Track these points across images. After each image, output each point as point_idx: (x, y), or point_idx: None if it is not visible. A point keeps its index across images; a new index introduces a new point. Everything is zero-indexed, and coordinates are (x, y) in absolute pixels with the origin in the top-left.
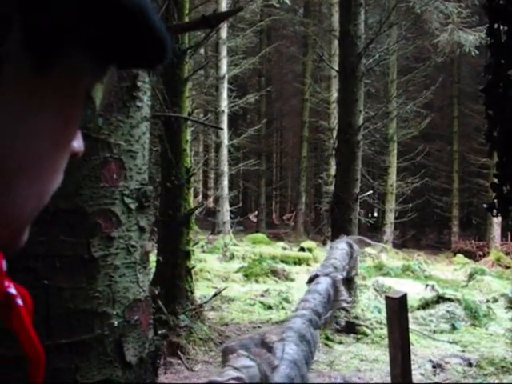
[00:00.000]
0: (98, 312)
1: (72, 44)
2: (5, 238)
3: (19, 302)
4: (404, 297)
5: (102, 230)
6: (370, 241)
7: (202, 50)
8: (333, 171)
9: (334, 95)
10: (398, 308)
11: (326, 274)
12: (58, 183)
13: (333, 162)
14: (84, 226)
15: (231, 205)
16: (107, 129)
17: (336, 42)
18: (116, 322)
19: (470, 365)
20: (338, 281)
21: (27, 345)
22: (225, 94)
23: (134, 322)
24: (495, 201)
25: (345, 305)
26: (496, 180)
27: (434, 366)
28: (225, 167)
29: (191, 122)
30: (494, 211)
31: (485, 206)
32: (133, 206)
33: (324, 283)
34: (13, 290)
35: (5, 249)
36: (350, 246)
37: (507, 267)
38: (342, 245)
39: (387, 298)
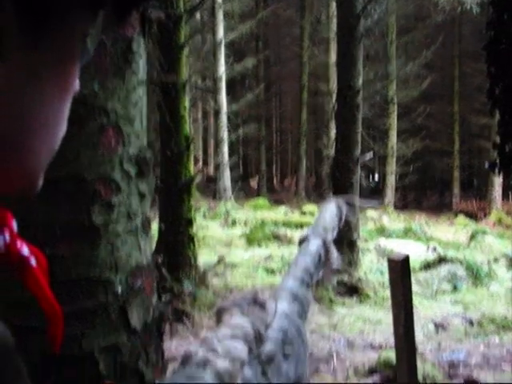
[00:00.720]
0: (101, 279)
1: None
2: (23, 186)
3: (33, 262)
4: (406, 259)
5: (101, 197)
6: (363, 201)
7: (197, 15)
8: (333, 135)
9: (333, 58)
10: (400, 270)
11: (316, 235)
12: (64, 130)
13: (333, 125)
14: (84, 193)
15: (231, 171)
16: (103, 94)
17: (334, 4)
18: (120, 289)
19: (472, 324)
20: (329, 241)
21: (44, 304)
22: (222, 59)
23: (138, 288)
24: (497, 159)
25: (336, 266)
26: (498, 138)
27: (436, 326)
28: (224, 134)
29: (189, 89)
30: (496, 170)
31: (487, 164)
32: (132, 172)
33: (314, 244)
34: (26, 251)
35: (24, 195)
36: (339, 207)
37: (508, 227)
38: (331, 206)
39: (389, 261)
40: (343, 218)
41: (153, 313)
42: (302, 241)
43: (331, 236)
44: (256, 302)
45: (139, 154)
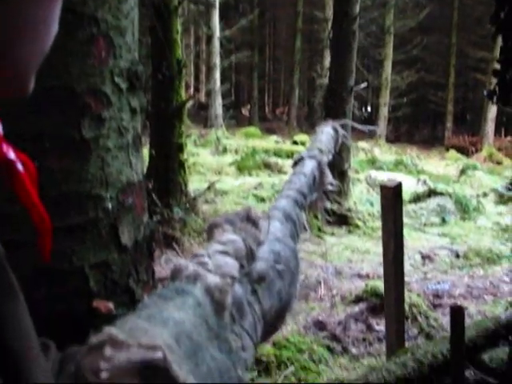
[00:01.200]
0: (91, 195)
1: None
2: (15, 87)
3: (20, 167)
4: (399, 186)
5: (92, 110)
6: (357, 125)
7: None
8: (327, 64)
9: None
10: (392, 197)
11: (311, 157)
12: (55, 31)
13: (327, 54)
14: (73, 105)
15: (223, 98)
16: (93, 3)
17: None
18: (110, 205)
19: (458, 256)
20: (324, 163)
21: (32, 212)
22: None
23: (129, 205)
24: (496, 87)
25: (330, 188)
26: (498, 66)
27: (423, 257)
28: (216, 60)
29: (181, 12)
30: (495, 98)
31: (485, 92)
32: (123, 86)
33: (309, 165)
34: (12, 155)
35: (15, 96)
36: (336, 130)
37: (499, 163)
38: (327, 129)
39: (382, 187)
40: (339, 140)
41: (143, 231)
42: (297, 162)
43: (327, 158)
44: (249, 219)
45: (131, 67)
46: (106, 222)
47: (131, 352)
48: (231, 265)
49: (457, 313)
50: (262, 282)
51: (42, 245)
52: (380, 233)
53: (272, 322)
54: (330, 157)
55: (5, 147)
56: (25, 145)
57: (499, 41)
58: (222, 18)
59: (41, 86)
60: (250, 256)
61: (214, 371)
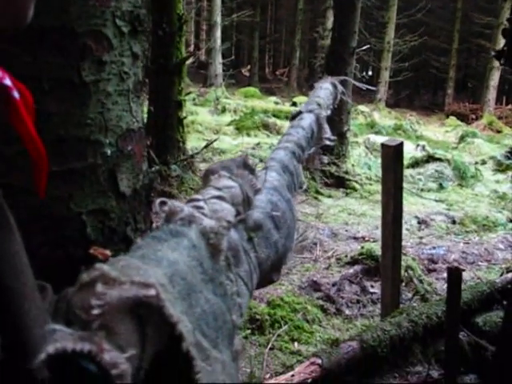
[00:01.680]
0: (90, 140)
1: None
2: (14, 13)
3: (16, 95)
4: (400, 145)
5: (92, 52)
6: (356, 83)
7: None
8: (329, 25)
9: None
10: (393, 156)
11: (310, 111)
12: None
13: (330, 15)
14: (73, 47)
15: (223, 57)
16: None
17: None
18: (109, 151)
19: (454, 222)
20: (322, 118)
21: (27, 140)
22: None
23: (128, 152)
24: (505, 47)
25: (328, 142)
26: (508, 24)
27: (419, 222)
28: (218, 18)
29: None
30: (502, 60)
31: (493, 53)
32: (125, 30)
33: (307, 119)
34: (8, 82)
35: (15, 25)
36: (335, 86)
37: (499, 131)
38: (326, 84)
39: (383, 146)
40: (338, 96)
41: (142, 179)
42: (295, 116)
43: (325, 113)
44: (246, 166)
45: (133, 10)
46: (104, 169)
47: (123, 289)
48: (227, 210)
49: (454, 274)
50: (259, 231)
51: (37, 178)
52: (377, 196)
53: (268, 273)
54: (329, 112)
55: (1, 73)
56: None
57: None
58: None
59: (39, 26)
60: (247, 203)
61: (209, 314)
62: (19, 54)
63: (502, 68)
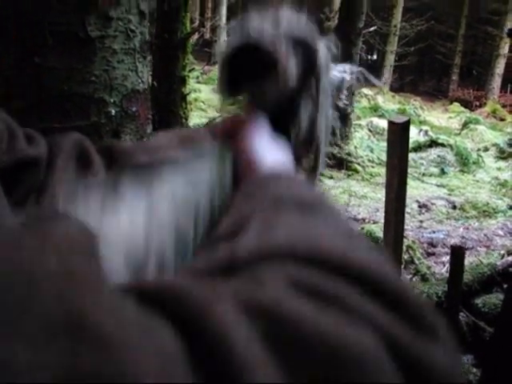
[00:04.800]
0: (94, 98)
1: None
2: None
3: None
4: (407, 122)
5: (98, 7)
6: (366, 73)
7: None
8: (336, 6)
9: None
10: (399, 133)
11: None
12: None
13: None
14: (79, 0)
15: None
16: None
17: None
18: (113, 111)
19: (454, 207)
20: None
21: None
22: None
23: (133, 113)
24: None
25: (341, 105)
26: None
27: (419, 206)
28: None
29: None
30: None
31: (506, 30)
32: None
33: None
34: None
35: None
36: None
37: (502, 119)
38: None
39: (390, 123)
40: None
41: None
42: None
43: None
44: None
45: None
46: (108, 128)
47: None
48: None
49: (457, 253)
50: None
51: None
52: (378, 179)
53: None
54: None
55: None
56: (25, 39)
57: None
58: None
59: None
60: None
61: None
62: (20, 3)
63: (508, 55)
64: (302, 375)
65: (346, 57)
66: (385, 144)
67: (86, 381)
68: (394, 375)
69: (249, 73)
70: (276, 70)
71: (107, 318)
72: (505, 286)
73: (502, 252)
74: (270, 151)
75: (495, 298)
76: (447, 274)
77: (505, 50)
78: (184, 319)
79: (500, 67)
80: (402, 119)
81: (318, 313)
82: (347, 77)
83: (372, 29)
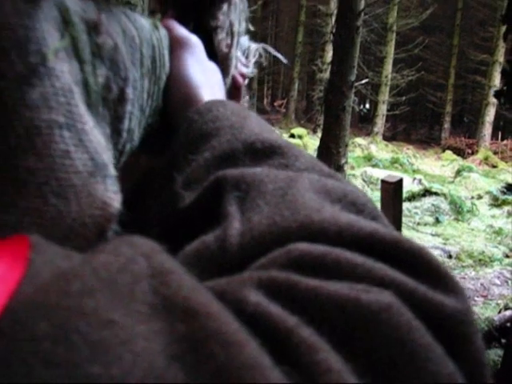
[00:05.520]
0: None
1: None
2: None
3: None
4: (399, 182)
5: None
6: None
7: None
8: (328, 58)
9: None
10: (392, 192)
11: None
12: None
13: (329, 48)
14: None
15: None
16: None
17: None
18: None
19: (450, 257)
20: None
21: None
22: None
23: None
24: (504, 88)
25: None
26: (508, 66)
27: None
28: None
29: None
30: (502, 99)
31: (493, 92)
32: None
33: None
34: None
35: None
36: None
37: (494, 166)
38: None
39: (383, 182)
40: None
41: None
42: None
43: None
44: None
45: None
46: None
47: None
48: None
49: None
50: None
51: None
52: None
53: None
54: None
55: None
56: None
57: (502, 43)
58: None
59: None
60: None
61: None
62: None
63: (498, 104)
64: (337, 347)
65: (338, 110)
66: (379, 194)
67: None
68: (415, 324)
69: None
70: None
71: None
72: (503, 341)
73: (500, 302)
74: (204, 72)
75: (494, 354)
76: None
77: (494, 98)
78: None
79: (490, 115)
80: (394, 178)
81: (331, 283)
82: (253, 45)
83: (364, 81)
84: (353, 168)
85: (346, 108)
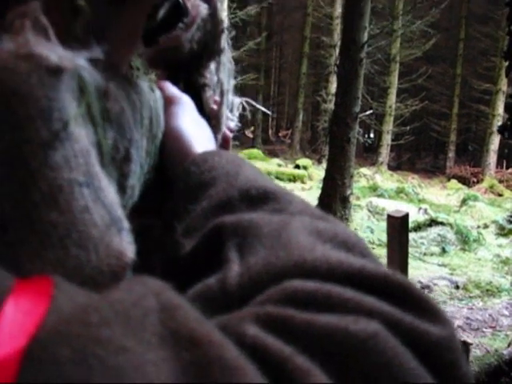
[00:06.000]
0: None
1: None
2: None
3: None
4: (406, 216)
5: None
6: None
7: None
8: (332, 89)
9: (338, 10)
10: (399, 227)
11: None
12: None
13: (333, 79)
14: None
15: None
16: None
17: None
18: None
19: (457, 287)
20: None
21: None
22: (225, 4)
23: None
24: (508, 122)
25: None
26: (511, 101)
27: (422, 287)
28: None
29: None
30: (506, 133)
31: (497, 128)
32: None
33: None
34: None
35: None
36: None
37: (500, 195)
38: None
39: (389, 217)
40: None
41: None
42: None
43: None
44: None
45: None
46: None
47: None
48: None
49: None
50: None
51: None
52: (380, 261)
53: None
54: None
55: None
56: None
57: (503, 72)
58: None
59: None
60: None
61: None
62: None
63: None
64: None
65: (343, 141)
66: (385, 224)
67: None
68: (401, 350)
69: (163, 23)
70: (187, 19)
71: None
72: None
73: (509, 333)
74: (196, 127)
75: None
76: None
77: (498, 133)
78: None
79: (494, 144)
80: (400, 213)
81: (322, 316)
82: (236, 99)
83: (368, 113)
84: (358, 198)
85: (351, 139)
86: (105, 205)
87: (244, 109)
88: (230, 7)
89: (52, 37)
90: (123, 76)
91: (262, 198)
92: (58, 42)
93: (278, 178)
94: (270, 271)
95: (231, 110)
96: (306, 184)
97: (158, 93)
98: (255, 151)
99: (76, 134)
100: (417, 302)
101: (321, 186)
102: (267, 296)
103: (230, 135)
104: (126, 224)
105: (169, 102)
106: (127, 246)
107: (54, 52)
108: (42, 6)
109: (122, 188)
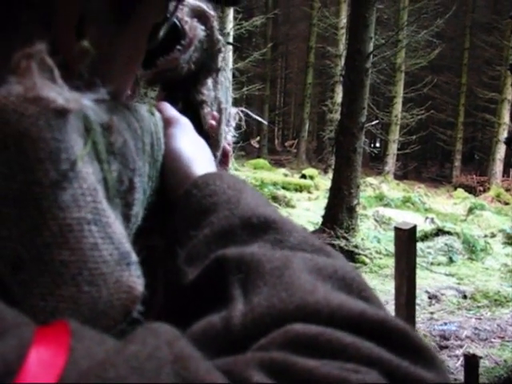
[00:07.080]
0: None
1: None
2: None
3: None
4: (413, 228)
5: None
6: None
7: None
8: (338, 99)
9: (343, 21)
10: (406, 239)
11: None
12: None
13: (338, 89)
14: None
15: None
16: None
17: None
18: None
19: (465, 297)
20: None
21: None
22: (231, 15)
23: None
24: None
25: None
26: None
27: (430, 297)
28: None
29: None
30: None
31: (503, 139)
32: None
33: None
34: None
35: None
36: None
37: (506, 203)
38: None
39: (396, 229)
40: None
41: None
42: None
43: None
44: None
45: None
46: None
47: None
48: None
49: (471, 362)
50: None
51: None
52: (386, 271)
53: None
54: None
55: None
56: None
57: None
58: (235, 50)
59: None
60: None
61: None
62: None
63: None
64: None
65: (349, 151)
66: (392, 233)
67: None
68: None
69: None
70: (185, 41)
71: None
72: None
73: None
74: (195, 148)
75: None
76: (462, 369)
77: (504, 135)
78: None
79: (501, 152)
80: (408, 225)
81: (323, 364)
82: (233, 110)
83: (374, 122)
84: (364, 208)
85: (357, 149)
86: (113, 240)
87: (240, 119)
88: (235, 18)
89: (58, 78)
90: (124, 105)
91: (262, 227)
92: (64, 82)
93: (284, 187)
94: (272, 313)
95: (228, 121)
96: (313, 194)
97: (157, 115)
98: (262, 161)
99: (83, 172)
100: (413, 347)
101: (327, 195)
102: (271, 339)
103: (230, 149)
104: (134, 257)
105: (168, 123)
106: (136, 280)
107: (60, 94)
108: (47, 47)
109: (126, 218)
